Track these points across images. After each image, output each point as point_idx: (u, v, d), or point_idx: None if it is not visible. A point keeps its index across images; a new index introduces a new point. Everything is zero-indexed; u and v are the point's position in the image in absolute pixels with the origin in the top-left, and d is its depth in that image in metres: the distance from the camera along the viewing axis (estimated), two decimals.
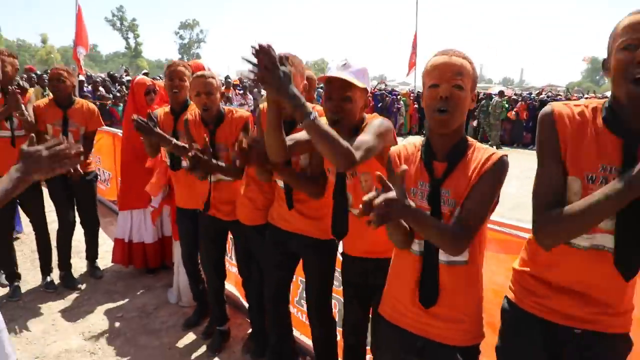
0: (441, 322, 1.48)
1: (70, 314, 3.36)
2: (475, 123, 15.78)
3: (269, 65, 1.47)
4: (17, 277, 3.70)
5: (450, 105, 1.40)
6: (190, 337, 3.16)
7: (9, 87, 3.37)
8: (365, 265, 1.96)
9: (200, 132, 2.70)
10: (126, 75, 14.75)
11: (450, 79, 1.40)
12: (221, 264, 3.01)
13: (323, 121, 1.60)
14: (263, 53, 1.47)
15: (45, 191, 3.76)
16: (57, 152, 1.46)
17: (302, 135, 1.94)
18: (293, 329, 2.65)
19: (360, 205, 1.21)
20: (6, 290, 3.68)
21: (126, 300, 3.62)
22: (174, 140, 2.76)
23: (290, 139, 1.90)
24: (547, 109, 1.32)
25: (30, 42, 56.35)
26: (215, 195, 2.75)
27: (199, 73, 2.63)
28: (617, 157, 1.21)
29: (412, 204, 1.29)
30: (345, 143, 1.57)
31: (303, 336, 2.89)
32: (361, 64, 1.87)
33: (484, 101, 15.32)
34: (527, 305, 1.39)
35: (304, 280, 2.39)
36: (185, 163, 2.91)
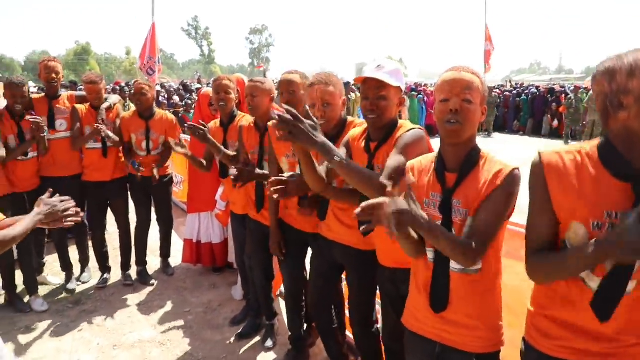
0: (456, 329, 1.53)
1: (144, 308, 3.68)
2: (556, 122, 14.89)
3: (294, 127, 1.62)
4: (108, 270, 4.19)
5: (461, 118, 1.47)
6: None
7: (100, 117, 3.80)
8: (396, 275, 2.00)
9: (253, 139, 2.88)
10: (198, 83, 15.58)
11: (459, 94, 1.47)
12: (269, 266, 3.11)
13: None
14: (285, 120, 1.61)
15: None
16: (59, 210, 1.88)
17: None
18: (346, 330, 2.73)
19: (355, 211, 1.32)
20: (84, 286, 4.10)
21: (194, 296, 3.88)
22: (223, 149, 3.04)
23: (326, 168, 2.02)
24: (535, 158, 1.31)
25: (115, 54, 60.88)
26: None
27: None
28: (623, 202, 1.16)
29: (424, 215, 1.36)
30: (375, 177, 1.69)
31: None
32: (394, 65, 2.00)
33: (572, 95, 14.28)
34: (543, 347, 1.36)
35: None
36: (232, 171, 3.09)
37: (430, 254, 1.56)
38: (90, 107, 3.85)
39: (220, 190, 3.83)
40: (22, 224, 1.81)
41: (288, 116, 1.61)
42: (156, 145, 3.95)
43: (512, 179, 1.44)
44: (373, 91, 1.92)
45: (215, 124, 3.35)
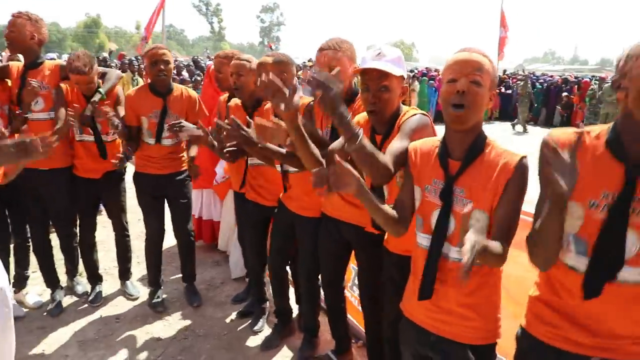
0: (450, 319, 1.50)
1: (144, 282, 3.67)
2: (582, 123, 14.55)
3: (324, 88, 1.52)
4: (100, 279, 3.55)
5: (467, 100, 1.39)
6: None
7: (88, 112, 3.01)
8: (403, 262, 1.97)
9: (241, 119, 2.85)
10: (208, 60, 15.45)
11: (468, 74, 1.40)
12: (262, 248, 3.07)
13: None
14: (319, 77, 1.54)
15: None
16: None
17: (338, 143, 1.98)
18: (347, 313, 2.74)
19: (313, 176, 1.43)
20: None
21: (196, 273, 3.88)
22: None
23: (330, 150, 1.97)
24: (545, 137, 1.29)
25: (125, 29, 60.47)
26: (251, 179, 2.91)
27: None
28: (619, 184, 1.20)
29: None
30: (383, 160, 1.61)
31: (356, 321, 2.95)
32: (395, 52, 1.89)
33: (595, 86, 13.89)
34: (539, 333, 1.36)
35: (357, 268, 2.45)
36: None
37: (424, 241, 1.53)
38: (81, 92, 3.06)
39: (223, 162, 3.66)
40: None
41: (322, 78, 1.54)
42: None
43: (523, 169, 1.40)
44: (374, 82, 1.83)
45: (234, 102, 3.13)
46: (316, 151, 1.97)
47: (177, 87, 3.20)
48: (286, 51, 3.38)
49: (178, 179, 3.26)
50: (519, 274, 1.81)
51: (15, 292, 3.26)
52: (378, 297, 2.39)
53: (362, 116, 2.06)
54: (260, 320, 3.18)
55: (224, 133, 2.32)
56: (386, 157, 1.63)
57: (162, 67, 2.99)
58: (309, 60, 13.75)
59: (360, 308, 2.83)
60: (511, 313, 1.71)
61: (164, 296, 3.46)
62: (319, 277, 2.70)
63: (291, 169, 2.59)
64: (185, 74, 10.60)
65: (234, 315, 3.29)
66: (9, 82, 3.00)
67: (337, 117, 1.53)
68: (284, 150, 2.49)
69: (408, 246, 1.93)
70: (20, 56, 3.15)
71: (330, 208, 2.41)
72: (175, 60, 13.27)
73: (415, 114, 1.85)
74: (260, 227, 3.05)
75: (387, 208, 1.56)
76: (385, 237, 2.09)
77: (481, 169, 1.43)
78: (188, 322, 3.21)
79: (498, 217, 1.40)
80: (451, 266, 1.47)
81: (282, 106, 1.73)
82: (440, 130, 1.63)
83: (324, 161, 1.97)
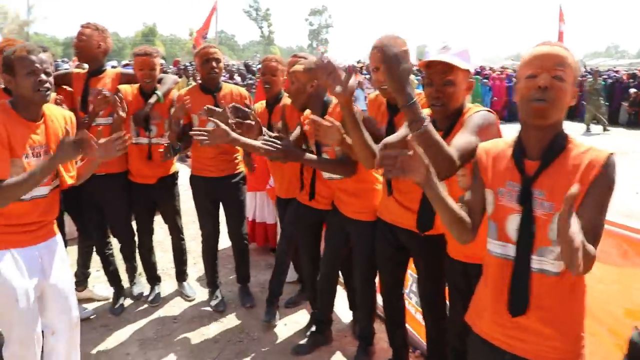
0: (529, 336, 1.37)
1: (203, 283, 3.72)
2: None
3: (395, 60, 1.46)
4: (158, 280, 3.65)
5: (549, 96, 1.29)
6: (303, 314, 3.33)
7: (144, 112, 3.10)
8: (467, 270, 1.86)
9: (295, 120, 2.83)
10: (258, 64, 15.70)
11: (550, 69, 1.29)
12: (317, 254, 3.04)
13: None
14: (389, 49, 1.47)
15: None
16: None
17: (394, 136, 1.91)
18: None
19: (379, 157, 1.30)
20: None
21: (251, 275, 3.90)
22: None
23: (382, 144, 1.88)
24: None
25: (179, 36, 62.76)
26: (305, 181, 2.85)
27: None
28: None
29: None
30: (448, 151, 1.51)
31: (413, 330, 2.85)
32: (462, 45, 1.79)
33: None
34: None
35: (415, 275, 2.36)
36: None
37: (499, 249, 1.41)
38: (139, 92, 3.14)
39: None
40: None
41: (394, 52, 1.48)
42: None
43: (611, 167, 1.27)
44: (438, 76, 1.75)
45: (261, 105, 3.24)
46: (371, 141, 1.91)
47: (227, 86, 3.27)
48: (335, 53, 3.27)
49: (232, 181, 3.29)
50: (590, 285, 1.67)
51: (80, 291, 3.39)
52: (439, 306, 2.30)
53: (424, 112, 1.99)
54: (275, 312, 3.21)
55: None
56: (451, 150, 1.53)
57: (213, 64, 3.08)
58: (358, 62, 13.66)
59: (418, 316, 2.74)
60: (587, 327, 1.57)
61: (221, 296, 3.49)
62: (376, 282, 2.63)
63: (334, 176, 2.54)
64: (237, 78, 10.81)
65: (286, 320, 3.28)
66: (68, 89, 3.12)
67: (404, 96, 1.46)
68: (315, 157, 2.51)
69: (471, 252, 1.83)
70: (85, 65, 3.27)
71: (386, 212, 2.34)
72: (227, 65, 13.58)
73: (479, 110, 1.75)
74: (314, 231, 3.01)
75: (457, 207, 1.46)
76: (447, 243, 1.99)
77: (563, 168, 1.32)
78: (243, 324, 3.22)
79: (584, 219, 1.25)
80: (542, 280, 1.35)
81: (338, 88, 1.67)
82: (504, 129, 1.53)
83: (377, 153, 1.91)
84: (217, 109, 2.72)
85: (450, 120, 1.81)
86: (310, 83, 2.53)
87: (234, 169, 3.30)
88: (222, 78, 3.36)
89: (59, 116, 2.17)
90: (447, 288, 2.12)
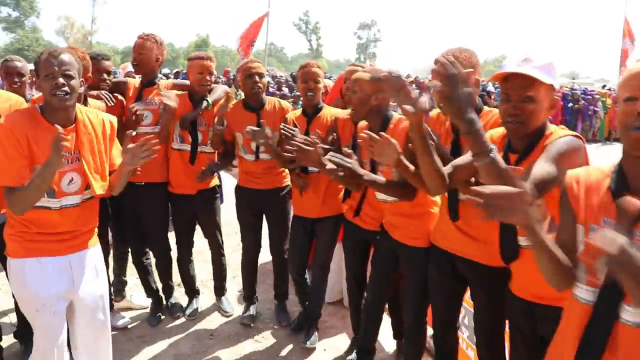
0: None
1: (242, 298, 3.60)
2: None
3: (453, 82, 1.32)
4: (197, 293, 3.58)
5: None
6: (343, 338, 3.15)
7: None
8: (533, 310, 1.64)
9: (348, 132, 2.67)
10: None
11: None
12: (362, 275, 2.86)
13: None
14: (449, 69, 1.33)
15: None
16: None
17: (463, 159, 1.74)
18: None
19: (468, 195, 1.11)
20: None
21: (290, 293, 3.74)
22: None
23: (450, 166, 1.74)
24: None
25: (230, 47, 64.59)
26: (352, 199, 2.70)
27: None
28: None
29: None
30: (518, 184, 1.32)
31: None
32: (546, 58, 1.59)
33: None
34: None
35: (472, 310, 2.15)
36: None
37: (585, 294, 1.21)
38: (189, 98, 3.08)
39: None
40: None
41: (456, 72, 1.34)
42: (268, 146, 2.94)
43: None
44: (517, 91, 1.56)
45: (295, 114, 3.02)
46: (441, 165, 1.73)
47: (270, 100, 3.13)
48: (382, 68, 3.03)
49: (279, 195, 3.17)
50: None
51: (118, 301, 3.37)
52: (498, 345, 2.08)
53: (497, 131, 1.79)
54: (314, 335, 3.07)
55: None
56: (522, 182, 1.34)
57: (256, 79, 2.96)
58: (407, 77, 13.44)
59: (470, 353, 2.52)
60: None
61: (254, 313, 3.36)
62: (426, 313, 2.43)
63: (389, 198, 2.36)
64: (285, 89, 10.85)
65: (325, 343, 3.11)
66: (120, 97, 3.05)
67: (466, 123, 1.31)
68: (383, 179, 2.28)
69: (539, 291, 1.62)
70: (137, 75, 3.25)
71: (442, 239, 2.14)
72: (275, 77, 13.71)
73: (565, 135, 1.54)
74: (360, 252, 2.84)
75: (563, 255, 1.26)
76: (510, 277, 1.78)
77: None
78: (280, 345, 3.08)
79: None
80: (623, 330, 1.14)
81: (410, 107, 1.52)
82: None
83: (447, 178, 1.74)
84: (258, 129, 2.70)
85: (528, 142, 1.60)
86: (375, 94, 2.33)
87: (281, 181, 3.18)
88: (271, 89, 3.28)
89: (95, 121, 2.04)
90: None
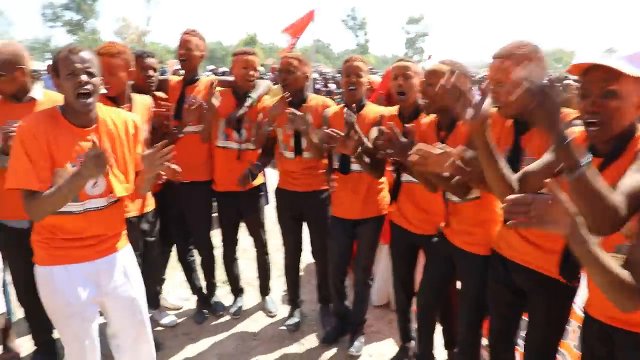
0: None
1: (286, 298, 3.55)
2: None
3: (544, 92, 1.20)
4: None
5: None
6: (390, 344, 3.02)
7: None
8: (610, 335, 1.45)
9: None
10: None
11: None
12: (409, 280, 2.73)
13: None
14: (532, 82, 1.22)
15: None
16: None
17: (536, 165, 1.59)
18: None
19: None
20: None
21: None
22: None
23: (522, 173, 1.61)
24: None
25: (278, 44, 65.31)
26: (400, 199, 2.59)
27: None
28: None
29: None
30: (612, 200, 1.16)
31: None
32: (635, 47, 1.38)
33: None
34: None
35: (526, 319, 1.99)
36: (356, 167, 2.71)
37: None
38: (232, 94, 3.07)
39: None
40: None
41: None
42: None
43: None
44: (597, 85, 1.35)
45: (334, 110, 2.89)
46: (508, 172, 1.58)
47: (314, 98, 3.05)
48: (431, 62, 2.84)
49: (317, 198, 3.06)
50: None
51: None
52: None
53: (580, 129, 1.61)
54: (359, 341, 2.96)
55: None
56: (615, 196, 1.17)
57: (285, 75, 2.89)
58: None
59: None
60: None
61: (298, 318, 3.29)
62: (482, 324, 2.27)
63: (454, 197, 2.21)
64: (332, 85, 10.74)
65: (371, 349, 3.00)
66: (161, 94, 3.02)
67: (557, 135, 1.17)
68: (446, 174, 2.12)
69: (617, 313, 1.43)
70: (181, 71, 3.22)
71: (504, 246, 1.97)
72: (322, 73, 13.62)
73: None
74: (408, 257, 2.70)
75: (617, 266, 1.11)
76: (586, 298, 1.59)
77: None
78: (323, 349, 3.00)
79: None
80: None
81: (469, 113, 1.42)
82: None
83: (516, 185, 1.59)
84: (300, 113, 2.62)
85: (614, 145, 1.41)
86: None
87: (321, 184, 3.05)
88: (317, 85, 3.18)
89: (117, 121, 1.95)
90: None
